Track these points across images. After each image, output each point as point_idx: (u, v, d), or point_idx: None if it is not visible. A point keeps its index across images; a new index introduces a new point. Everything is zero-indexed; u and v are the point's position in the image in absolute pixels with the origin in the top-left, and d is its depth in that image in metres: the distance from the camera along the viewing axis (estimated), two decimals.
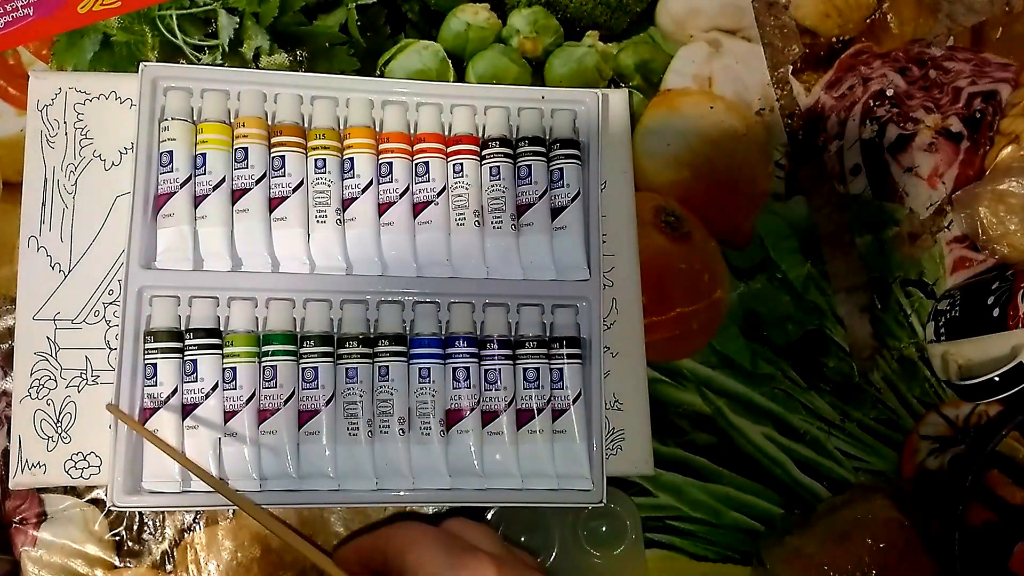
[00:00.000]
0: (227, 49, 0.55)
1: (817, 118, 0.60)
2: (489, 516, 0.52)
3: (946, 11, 0.62)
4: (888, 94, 0.61)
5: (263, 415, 0.48)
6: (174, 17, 0.55)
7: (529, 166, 0.52)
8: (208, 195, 0.48)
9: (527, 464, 0.49)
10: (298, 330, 0.49)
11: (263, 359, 0.48)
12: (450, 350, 0.50)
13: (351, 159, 0.51)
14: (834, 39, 0.61)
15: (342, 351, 0.49)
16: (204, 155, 0.49)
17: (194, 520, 0.51)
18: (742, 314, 0.57)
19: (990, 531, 0.57)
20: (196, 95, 0.50)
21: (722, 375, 0.57)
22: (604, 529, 0.53)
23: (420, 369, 0.49)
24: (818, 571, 0.52)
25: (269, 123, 0.51)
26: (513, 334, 0.51)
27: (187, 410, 0.47)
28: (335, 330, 0.50)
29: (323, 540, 0.52)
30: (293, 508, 0.51)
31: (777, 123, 0.60)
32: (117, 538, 0.51)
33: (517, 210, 0.52)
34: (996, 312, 0.53)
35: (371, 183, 0.51)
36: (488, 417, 0.49)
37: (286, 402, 0.48)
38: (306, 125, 0.51)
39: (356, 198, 0.50)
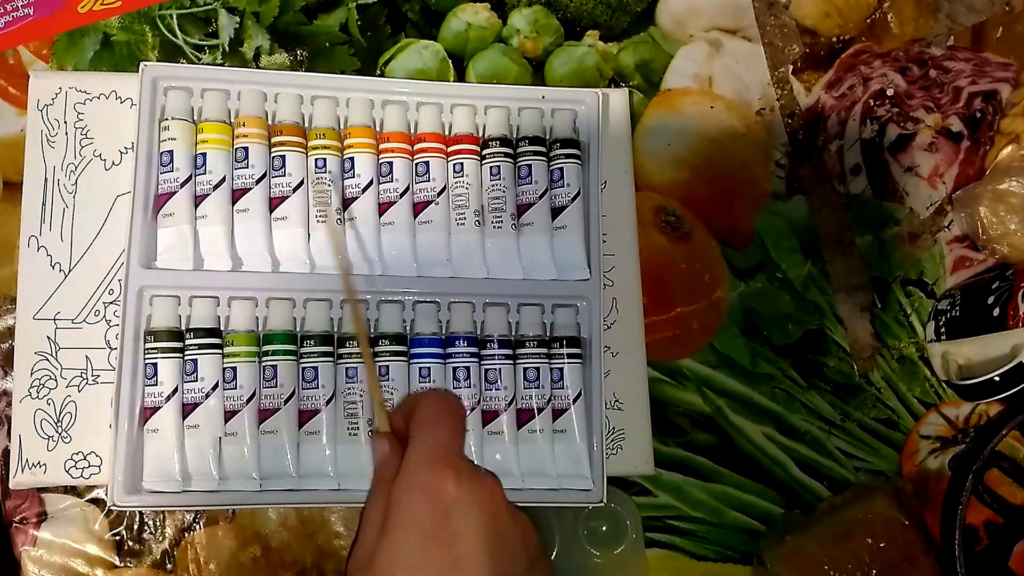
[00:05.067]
0: (227, 49, 0.55)
1: (817, 118, 0.60)
2: None
3: (946, 11, 0.62)
4: (888, 94, 0.61)
5: (263, 415, 0.48)
6: (174, 17, 0.55)
7: (529, 166, 0.52)
8: (208, 195, 0.48)
9: (527, 464, 0.49)
10: (298, 330, 0.49)
11: (263, 359, 0.48)
12: (450, 350, 0.50)
13: (351, 159, 0.51)
14: (834, 39, 0.61)
15: (342, 351, 0.49)
16: (204, 155, 0.49)
17: (194, 520, 0.51)
18: (742, 314, 0.57)
19: (990, 531, 0.57)
20: (196, 95, 0.50)
21: (722, 375, 0.57)
22: (604, 529, 0.53)
23: (420, 369, 0.49)
24: (818, 570, 0.52)
25: (269, 123, 0.51)
26: (513, 334, 0.51)
27: (187, 410, 0.47)
28: (335, 330, 0.50)
29: (323, 539, 0.52)
30: (293, 508, 0.51)
31: (777, 123, 0.60)
32: (117, 538, 0.51)
33: (517, 210, 0.52)
34: (996, 312, 0.53)
35: (371, 183, 0.51)
36: (488, 416, 0.49)
37: (286, 402, 0.48)
38: (306, 125, 0.51)
39: (356, 198, 0.50)
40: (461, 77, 0.57)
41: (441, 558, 0.34)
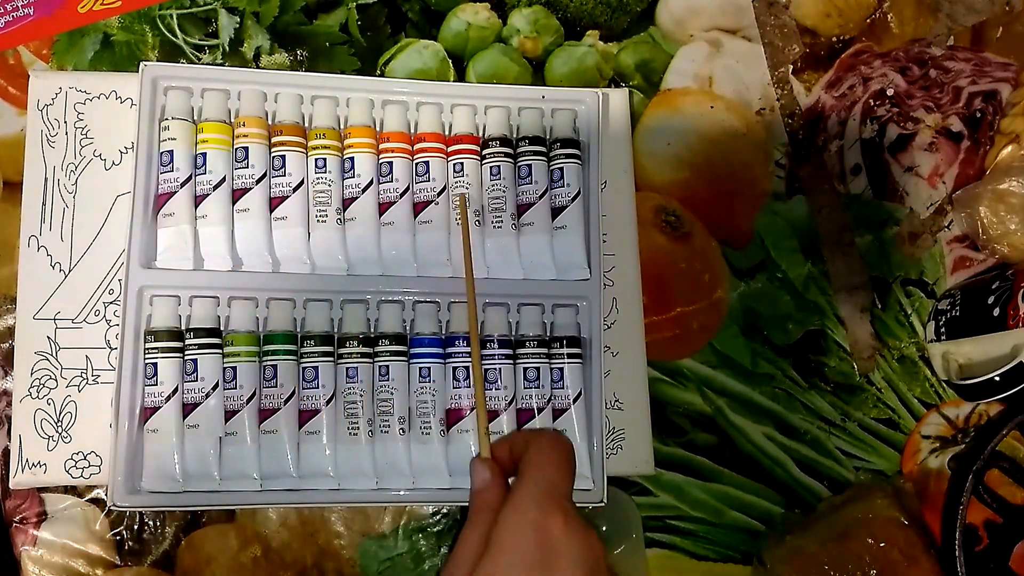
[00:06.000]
0: (227, 49, 0.55)
1: (817, 118, 0.60)
2: None
3: (946, 11, 0.62)
4: (888, 94, 0.61)
5: (264, 414, 0.48)
6: (174, 17, 0.55)
7: (529, 166, 0.52)
8: (208, 195, 0.48)
9: None
10: (298, 330, 0.49)
11: (264, 359, 0.48)
12: (450, 349, 0.50)
13: (351, 159, 0.51)
14: (834, 39, 0.61)
15: (342, 351, 0.49)
16: (204, 155, 0.49)
17: (194, 520, 0.51)
18: (742, 314, 0.57)
19: (990, 531, 0.57)
20: (196, 95, 0.50)
21: (722, 375, 0.57)
22: (604, 529, 0.53)
23: (420, 368, 0.49)
24: (818, 570, 0.52)
25: (269, 123, 0.51)
26: (513, 334, 0.51)
27: (187, 409, 0.47)
28: (335, 330, 0.50)
29: (324, 539, 0.52)
30: (293, 507, 0.51)
31: (777, 123, 0.60)
32: (118, 538, 0.51)
33: (517, 210, 0.52)
34: (996, 312, 0.53)
35: (371, 183, 0.51)
36: (488, 417, 0.49)
37: (286, 402, 0.48)
38: (306, 125, 0.51)
39: (356, 198, 0.50)
40: (461, 77, 0.57)
41: None
